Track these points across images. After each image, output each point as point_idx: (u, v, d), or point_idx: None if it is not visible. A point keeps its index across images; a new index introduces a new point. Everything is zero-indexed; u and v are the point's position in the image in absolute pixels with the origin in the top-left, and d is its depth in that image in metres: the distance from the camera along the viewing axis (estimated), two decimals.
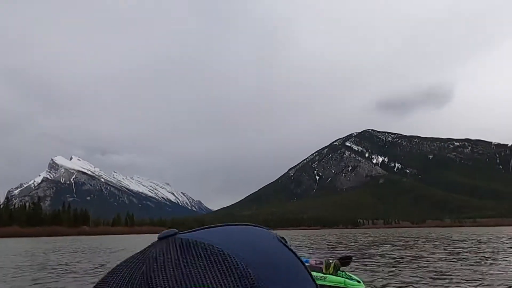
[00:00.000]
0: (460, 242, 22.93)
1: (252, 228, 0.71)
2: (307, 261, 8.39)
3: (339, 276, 7.59)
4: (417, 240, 26.92)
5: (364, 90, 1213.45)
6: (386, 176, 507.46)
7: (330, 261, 7.85)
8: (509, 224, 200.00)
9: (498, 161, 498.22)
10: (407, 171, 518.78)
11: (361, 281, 7.52)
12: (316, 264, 8.27)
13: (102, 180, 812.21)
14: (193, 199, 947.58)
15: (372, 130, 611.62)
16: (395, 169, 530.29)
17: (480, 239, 26.27)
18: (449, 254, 14.61)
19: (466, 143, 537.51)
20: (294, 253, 0.79)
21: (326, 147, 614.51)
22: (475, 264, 10.82)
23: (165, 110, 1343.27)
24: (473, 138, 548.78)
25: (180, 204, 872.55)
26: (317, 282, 5.66)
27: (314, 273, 6.31)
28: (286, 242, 0.78)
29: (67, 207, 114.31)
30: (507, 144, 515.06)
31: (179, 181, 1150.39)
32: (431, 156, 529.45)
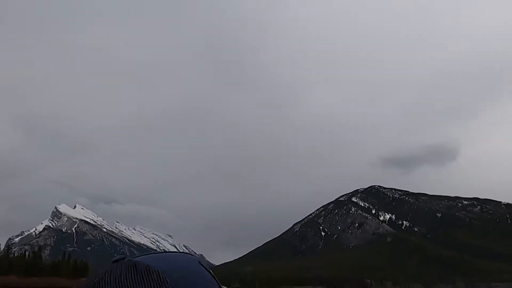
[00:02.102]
0: None
1: (181, 254, 1.03)
2: None
3: None
4: None
5: (369, 146, 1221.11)
6: (394, 234, 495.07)
7: None
8: None
9: (509, 221, 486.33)
10: (416, 229, 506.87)
11: None
12: None
13: (104, 230, 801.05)
14: (195, 253, 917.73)
15: (378, 186, 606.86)
16: (403, 227, 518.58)
17: None
18: None
19: (475, 202, 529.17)
20: (210, 272, 1.18)
21: (332, 202, 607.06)
22: None
23: (170, 162, 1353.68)
24: (481, 197, 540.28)
25: None
26: None
27: None
28: (205, 265, 1.19)
29: (67, 258, 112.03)
30: None
31: (182, 233, 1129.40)
32: (439, 215, 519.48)
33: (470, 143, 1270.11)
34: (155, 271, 1.00)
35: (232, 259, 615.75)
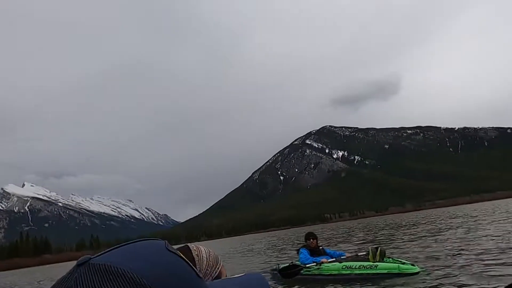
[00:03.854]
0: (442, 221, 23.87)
1: (148, 242, 0.91)
2: (343, 254, 8.34)
3: (389, 263, 7.22)
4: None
5: (317, 88, 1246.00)
6: (347, 170, 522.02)
7: (375, 249, 7.60)
8: (464, 202, 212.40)
9: (448, 144, 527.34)
10: (367, 162, 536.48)
11: (415, 265, 7.03)
12: (358, 255, 8.23)
13: (60, 204, 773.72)
14: (158, 213, 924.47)
15: (330, 126, 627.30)
16: (355, 162, 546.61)
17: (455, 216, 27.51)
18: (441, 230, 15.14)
19: (417, 130, 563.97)
20: (179, 255, 0.98)
21: (287, 147, 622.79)
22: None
23: (118, 125, 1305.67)
24: (423, 125, 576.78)
25: (145, 220, 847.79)
26: (369, 271, 7.29)
27: (363, 263, 7.46)
28: (173, 249, 0.98)
29: (25, 237, 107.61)
30: (455, 128, 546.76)
31: (142, 196, 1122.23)
32: (387, 146, 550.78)
33: (409, 75, 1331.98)
34: (130, 274, 0.90)
35: (197, 214, 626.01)
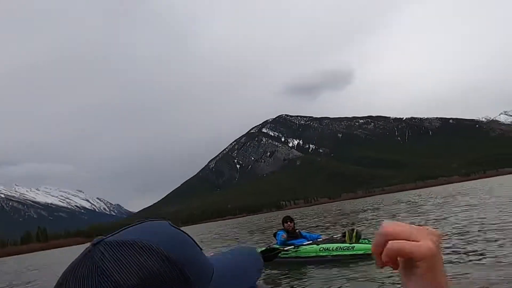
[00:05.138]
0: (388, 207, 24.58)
1: (153, 221, 0.94)
2: (319, 237, 8.63)
3: (365, 244, 7.47)
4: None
5: (274, 77, 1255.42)
6: (302, 158, 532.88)
7: (351, 230, 7.83)
8: (410, 188, 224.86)
9: (396, 133, 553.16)
10: (321, 151, 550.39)
11: None
12: (334, 237, 8.46)
13: (2, 195, 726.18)
14: (110, 203, 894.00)
15: (285, 115, 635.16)
16: (309, 150, 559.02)
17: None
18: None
19: (369, 119, 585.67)
20: (183, 231, 0.99)
21: (244, 135, 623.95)
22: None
23: (66, 112, 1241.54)
24: (374, 114, 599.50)
25: (97, 210, 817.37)
26: (346, 252, 7.60)
27: (340, 245, 7.71)
28: (176, 226, 0.97)
29: None
30: (403, 118, 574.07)
31: (93, 186, 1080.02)
32: (340, 135, 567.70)
33: (362, 66, 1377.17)
34: (147, 244, 0.92)
35: (152, 203, 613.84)
